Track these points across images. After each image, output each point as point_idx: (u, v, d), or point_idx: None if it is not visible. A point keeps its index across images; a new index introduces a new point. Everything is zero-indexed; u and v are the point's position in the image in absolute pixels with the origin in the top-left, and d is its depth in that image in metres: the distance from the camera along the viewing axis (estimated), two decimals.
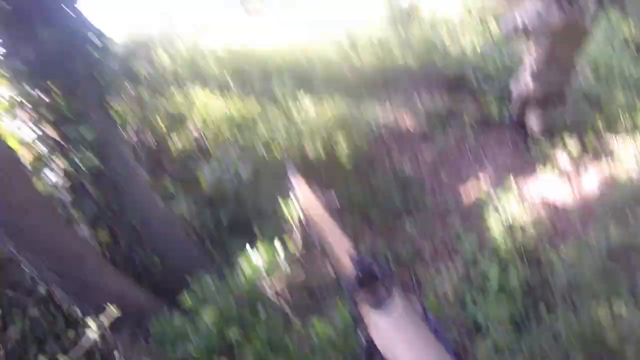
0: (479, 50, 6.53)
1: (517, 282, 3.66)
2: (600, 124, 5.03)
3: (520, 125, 5.46)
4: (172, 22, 7.48)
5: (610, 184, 4.44)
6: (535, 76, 4.81)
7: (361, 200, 4.65)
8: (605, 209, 4.05)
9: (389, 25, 7.18)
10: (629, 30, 6.55)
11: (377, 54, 6.68)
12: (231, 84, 5.95)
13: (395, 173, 5.11)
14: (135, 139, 4.82)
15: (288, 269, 2.99)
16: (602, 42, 6.20)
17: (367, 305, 0.78)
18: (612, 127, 4.99)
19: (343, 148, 4.83)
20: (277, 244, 3.05)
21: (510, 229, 4.18)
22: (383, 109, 5.90)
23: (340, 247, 0.93)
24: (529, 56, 4.77)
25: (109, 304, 2.88)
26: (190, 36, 7.11)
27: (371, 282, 0.79)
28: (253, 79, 6.17)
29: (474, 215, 4.53)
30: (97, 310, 2.95)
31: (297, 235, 2.85)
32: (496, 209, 4.40)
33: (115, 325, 2.92)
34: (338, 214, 4.69)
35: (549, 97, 5.04)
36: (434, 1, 7.80)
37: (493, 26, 7.64)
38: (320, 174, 4.81)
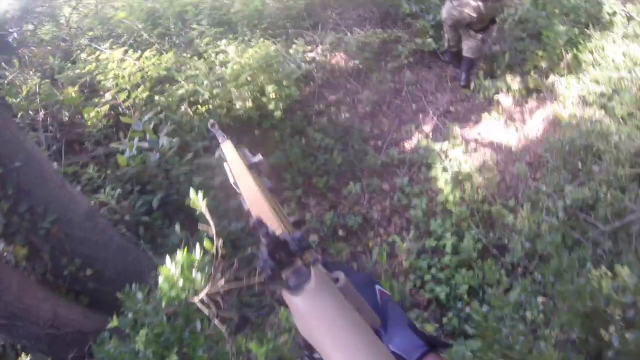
0: None
1: (473, 249, 3.41)
2: (542, 62, 4.74)
3: (457, 60, 5.04)
4: None
5: (557, 129, 4.24)
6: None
7: (299, 161, 4.05)
8: (554, 160, 3.85)
9: None
10: None
11: None
12: (145, 36, 4.82)
13: (332, 122, 4.52)
14: (42, 119, 3.72)
15: (211, 274, 2.41)
16: None
17: (284, 289, 0.67)
18: (555, 64, 4.72)
19: (271, 97, 4.10)
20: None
21: (459, 184, 3.89)
22: (312, 47, 5.14)
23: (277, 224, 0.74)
24: None
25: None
26: None
27: (287, 260, 0.66)
28: (170, 28, 5.11)
29: (421, 170, 4.15)
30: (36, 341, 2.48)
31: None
32: (442, 163, 4.06)
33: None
34: (275, 180, 4.15)
35: (484, 24, 4.63)
36: None
37: None
38: (253, 130, 4.10)
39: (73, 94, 3.82)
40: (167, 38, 5.22)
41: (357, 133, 4.46)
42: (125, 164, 3.33)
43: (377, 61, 5.19)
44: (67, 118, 3.85)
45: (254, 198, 0.90)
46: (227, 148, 1.16)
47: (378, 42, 5.26)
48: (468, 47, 4.75)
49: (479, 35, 4.66)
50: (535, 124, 4.45)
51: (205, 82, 4.01)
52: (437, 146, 4.27)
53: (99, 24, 5.40)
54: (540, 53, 4.75)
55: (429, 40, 5.26)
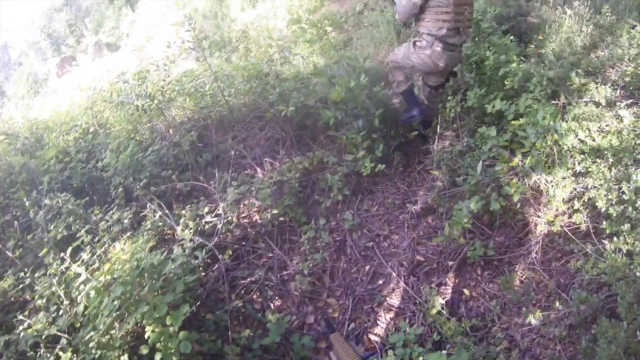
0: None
1: None
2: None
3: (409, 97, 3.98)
4: None
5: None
6: None
7: None
8: None
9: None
10: None
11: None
12: None
13: (253, 323, 3.00)
14: None
15: None
16: None
17: None
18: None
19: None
20: None
21: None
22: (211, 207, 3.69)
23: None
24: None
25: None
26: None
27: None
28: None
29: None
30: None
31: None
32: None
33: None
34: None
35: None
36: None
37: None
38: None
39: None
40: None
41: (297, 341, 2.93)
42: None
43: (303, 205, 3.79)
44: None
45: None
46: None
47: (299, 176, 3.88)
48: (423, 96, 4.08)
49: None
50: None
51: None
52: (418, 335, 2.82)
53: None
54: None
55: (362, 154, 3.92)
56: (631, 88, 3.51)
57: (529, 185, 3.15)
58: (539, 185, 3.14)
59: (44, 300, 2.92)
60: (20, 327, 2.79)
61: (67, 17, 20.92)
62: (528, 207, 3.18)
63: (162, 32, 12.28)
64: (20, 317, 2.86)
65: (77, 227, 3.54)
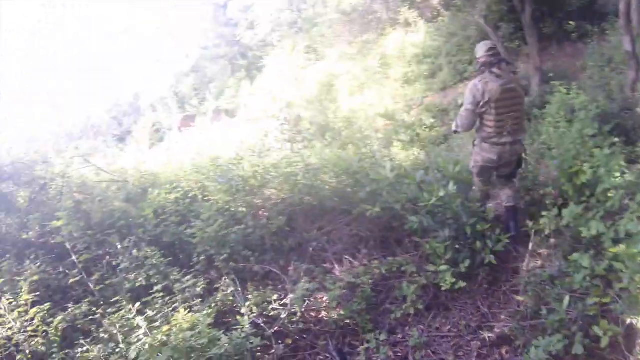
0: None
1: None
2: None
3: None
4: None
5: None
6: None
7: None
8: None
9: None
10: None
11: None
12: None
13: None
14: None
15: None
16: None
17: None
18: None
19: None
20: None
21: None
22: (280, 295, 3.73)
23: None
24: None
25: None
26: None
27: None
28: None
29: None
30: None
31: None
32: None
33: None
34: None
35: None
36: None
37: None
38: None
39: None
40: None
41: None
42: None
43: (373, 311, 3.68)
44: None
45: None
46: None
47: (375, 279, 3.81)
48: (507, 196, 4.23)
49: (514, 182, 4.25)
50: None
51: None
52: None
53: None
54: None
55: (443, 267, 3.76)
56: None
57: (622, 326, 2.77)
58: (634, 329, 2.76)
59: (106, 336, 3.20)
60: (79, 349, 3.15)
61: (193, 81, 23.62)
62: (617, 354, 2.78)
63: (275, 108, 13.26)
64: (82, 341, 3.20)
65: (155, 281, 3.76)
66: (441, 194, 3.82)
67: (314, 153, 5.87)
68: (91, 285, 3.83)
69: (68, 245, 3.92)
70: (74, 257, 3.89)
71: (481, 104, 3.87)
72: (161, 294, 3.51)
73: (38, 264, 3.94)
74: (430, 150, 4.51)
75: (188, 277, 3.77)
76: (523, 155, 4.26)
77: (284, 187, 4.80)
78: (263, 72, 18.12)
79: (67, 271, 3.97)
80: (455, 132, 4.21)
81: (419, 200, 4.02)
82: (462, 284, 3.67)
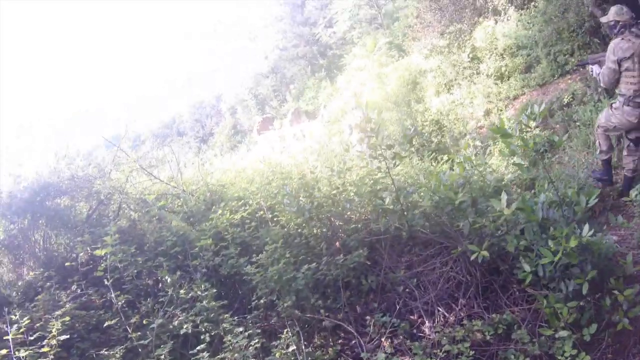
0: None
1: None
2: None
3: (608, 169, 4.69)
4: None
5: None
6: None
7: None
8: None
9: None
10: None
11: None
12: None
13: None
14: None
15: None
16: None
17: None
18: None
19: None
20: None
21: None
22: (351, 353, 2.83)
23: None
24: None
25: None
26: None
27: None
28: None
29: None
30: None
31: None
32: None
33: None
34: None
35: None
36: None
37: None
38: None
39: None
40: None
41: None
42: None
43: None
44: None
45: None
46: None
47: (475, 344, 2.78)
48: (635, 162, 4.50)
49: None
50: None
51: None
52: None
53: None
54: None
55: (563, 333, 2.73)
56: None
57: None
58: None
59: None
60: None
61: (272, 82, 23.30)
62: None
63: (356, 110, 12.31)
64: None
65: (203, 329, 3.15)
66: (572, 244, 2.74)
67: (404, 167, 4.87)
68: (129, 330, 3.18)
69: (107, 282, 3.29)
70: (112, 295, 3.25)
71: (623, 60, 4.11)
72: (207, 354, 2.75)
73: (77, 297, 3.37)
74: (545, 164, 3.29)
75: (241, 328, 2.98)
76: None
77: (367, 209, 3.88)
78: (343, 71, 17.26)
79: (103, 311, 3.37)
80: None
81: (538, 242, 2.96)
82: (587, 357, 2.66)
